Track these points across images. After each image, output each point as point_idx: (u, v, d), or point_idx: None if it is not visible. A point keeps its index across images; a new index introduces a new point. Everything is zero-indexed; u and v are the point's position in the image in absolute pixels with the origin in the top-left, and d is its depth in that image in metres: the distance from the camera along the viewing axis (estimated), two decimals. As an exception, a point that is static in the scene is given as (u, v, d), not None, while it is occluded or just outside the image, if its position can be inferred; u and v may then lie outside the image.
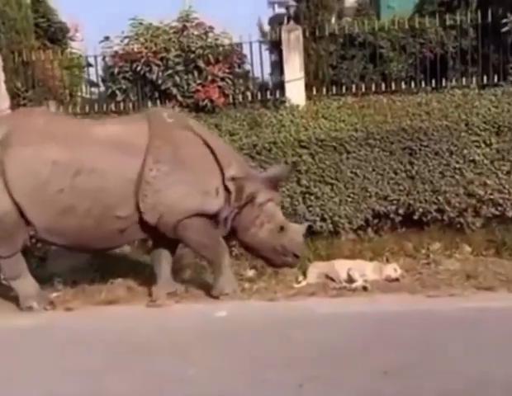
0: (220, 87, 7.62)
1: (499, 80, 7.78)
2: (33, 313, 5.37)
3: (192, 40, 7.72)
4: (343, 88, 7.93)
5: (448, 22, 8.06)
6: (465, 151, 6.91)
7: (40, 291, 5.61)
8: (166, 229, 5.47)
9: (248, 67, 8.10)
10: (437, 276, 5.73)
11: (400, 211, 6.90)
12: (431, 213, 6.86)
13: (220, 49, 7.77)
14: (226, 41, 7.85)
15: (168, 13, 8.11)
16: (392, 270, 5.71)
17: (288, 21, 8.15)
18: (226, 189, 5.51)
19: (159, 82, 7.69)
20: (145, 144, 5.42)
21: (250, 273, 6.16)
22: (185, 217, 5.42)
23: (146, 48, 7.75)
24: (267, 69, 8.63)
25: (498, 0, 8.07)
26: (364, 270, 5.71)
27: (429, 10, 8.74)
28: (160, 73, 7.68)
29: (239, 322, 4.92)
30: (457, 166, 6.92)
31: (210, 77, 7.62)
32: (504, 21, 7.69)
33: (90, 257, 6.56)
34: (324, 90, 7.89)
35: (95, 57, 8.24)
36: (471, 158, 6.91)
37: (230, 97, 7.75)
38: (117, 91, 7.88)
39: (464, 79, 7.86)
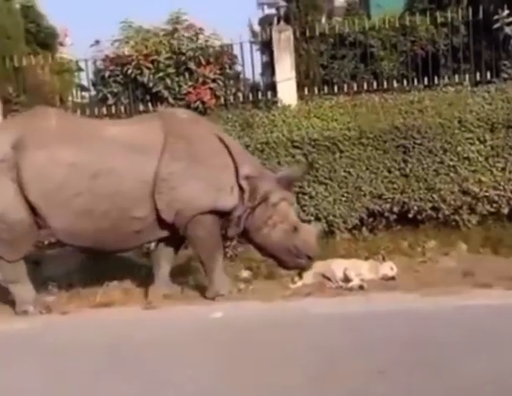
0: (211, 88, 7.60)
1: (492, 77, 7.79)
2: (28, 317, 5.32)
3: (183, 42, 7.70)
4: (335, 88, 7.92)
5: (439, 20, 8.07)
6: (459, 148, 6.88)
7: (37, 296, 5.55)
8: (180, 226, 5.41)
9: (239, 68, 8.09)
10: (433, 274, 5.68)
11: (395, 209, 6.86)
12: (426, 211, 6.83)
13: (211, 50, 7.75)
14: (217, 43, 7.83)
15: (158, 15, 8.09)
16: (388, 268, 5.66)
17: (278, 22, 8.14)
18: (240, 187, 5.46)
19: (150, 84, 7.65)
20: (161, 142, 5.37)
21: (245, 274, 6.11)
22: (199, 213, 5.37)
23: (137, 51, 7.72)
24: (259, 70, 8.61)
25: (489, -4, 8.10)
26: (360, 269, 5.66)
27: (420, 8, 8.78)
28: (151, 76, 7.65)
29: (235, 323, 4.87)
30: (452, 163, 6.89)
31: (201, 79, 7.60)
32: (496, 17, 7.71)
33: (85, 260, 6.51)
34: (316, 89, 7.88)
35: (85, 61, 8.20)
36: (465, 156, 6.88)
37: (222, 99, 7.72)
38: (108, 95, 7.84)
39: (457, 76, 7.87)
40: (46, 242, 6.43)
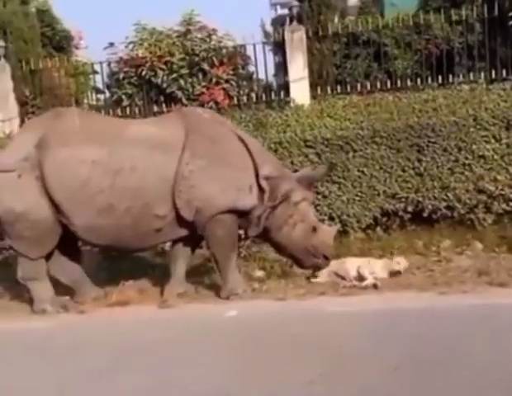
0: (224, 89, 7.64)
1: (507, 74, 7.73)
2: (46, 316, 5.38)
3: (196, 43, 7.75)
4: (348, 87, 7.90)
5: (454, 17, 8.01)
6: (474, 146, 6.82)
7: (54, 295, 5.61)
8: (199, 225, 5.43)
9: (252, 68, 8.11)
10: (448, 273, 5.63)
11: (409, 209, 6.82)
12: (441, 210, 6.77)
13: (224, 51, 7.79)
14: (230, 43, 7.87)
15: (171, 17, 8.15)
16: (395, 263, 5.64)
17: (291, 22, 8.14)
18: (260, 187, 5.47)
19: (164, 85, 7.72)
20: (182, 140, 5.40)
21: (259, 273, 6.12)
22: (219, 213, 5.38)
23: (150, 52, 7.79)
24: (272, 70, 8.63)
25: (504, -7, 8.01)
26: (374, 267, 5.64)
27: (434, 6, 8.71)
28: (165, 77, 7.71)
29: (249, 321, 4.88)
30: (467, 162, 6.83)
31: (214, 80, 7.65)
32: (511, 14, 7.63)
33: (101, 260, 6.57)
34: (329, 89, 7.87)
35: (100, 63, 8.29)
36: (480, 154, 6.82)
37: (235, 99, 7.76)
38: (123, 97, 7.92)
39: (471, 74, 7.81)
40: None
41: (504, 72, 7.73)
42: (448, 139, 6.82)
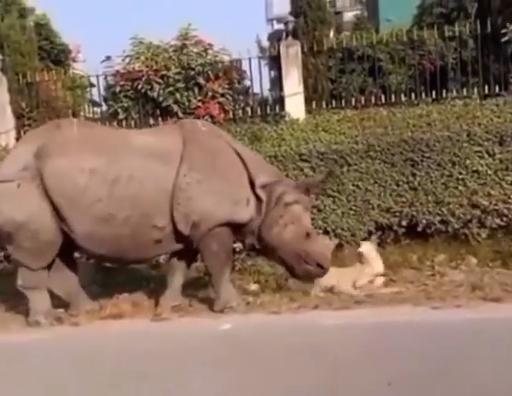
0: (220, 103, 7.69)
1: (500, 90, 7.81)
2: (40, 328, 5.37)
3: (192, 58, 7.82)
4: (343, 101, 7.97)
5: (447, 33, 8.10)
6: (467, 161, 6.87)
7: (50, 307, 5.60)
8: (195, 238, 5.44)
9: (248, 83, 8.17)
10: (442, 288, 5.64)
11: (404, 223, 6.85)
12: (435, 224, 6.80)
13: (220, 65, 7.85)
14: (226, 58, 7.94)
15: (168, 32, 8.23)
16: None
17: (287, 37, 8.22)
18: (258, 198, 5.50)
19: (160, 99, 7.77)
20: (180, 151, 5.42)
21: (254, 287, 6.12)
22: (216, 226, 5.40)
23: (147, 66, 7.85)
24: (267, 85, 8.70)
25: (497, 10, 8.13)
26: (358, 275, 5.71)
27: (428, 22, 8.83)
28: (161, 91, 7.77)
29: (243, 334, 4.89)
30: (460, 176, 6.88)
31: (210, 94, 7.71)
32: (504, 30, 7.73)
33: (95, 274, 6.55)
34: (324, 103, 7.93)
35: (97, 76, 8.33)
36: (474, 169, 6.87)
37: (230, 113, 7.81)
38: (119, 110, 7.96)
39: (465, 90, 7.88)
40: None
41: (497, 87, 7.82)
42: (441, 153, 6.87)
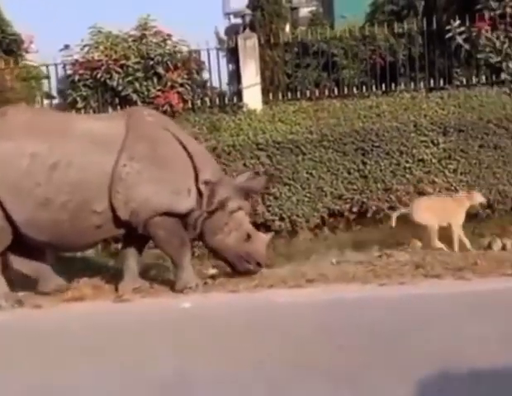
0: (179, 92, 7.82)
1: (445, 84, 8.24)
2: (1, 311, 5.43)
3: (151, 48, 7.90)
4: (298, 93, 8.25)
5: (397, 30, 8.49)
6: (414, 151, 7.31)
7: (9, 290, 5.64)
8: (137, 225, 5.58)
9: (206, 73, 8.34)
10: (388, 267, 6.01)
11: (354, 209, 7.23)
12: (384, 210, 7.20)
13: (179, 55, 7.98)
14: (184, 48, 8.07)
15: (127, 21, 8.28)
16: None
17: (244, 30, 8.43)
18: (199, 192, 5.64)
19: (120, 88, 7.83)
20: (121, 140, 5.52)
21: (212, 271, 6.33)
22: (155, 215, 5.54)
23: (106, 56, 7.88)
24: (225, 76, 8.87)
25: (442, 7, 8.56)
26: None
27: (380, 19, 9.20)
28: (120, 80, 7.82)
29: (203, 312, 5.11)
30: (407, 165, 7.31)
31: (169, 84, 7.81)
32: (448, 27, 8.17)
33: (54, 262, 6.61)
34: (280, 95, 8.19)
35: (55, 65, 8.31)
36: (420, 158, 7.31)
37: (189, 103, 7.96)
38: (78, 99, 7.97)
39: (413, 83, 8.29)
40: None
41: (441, 81, 8.25)
42: (390, 143, 7.28)
